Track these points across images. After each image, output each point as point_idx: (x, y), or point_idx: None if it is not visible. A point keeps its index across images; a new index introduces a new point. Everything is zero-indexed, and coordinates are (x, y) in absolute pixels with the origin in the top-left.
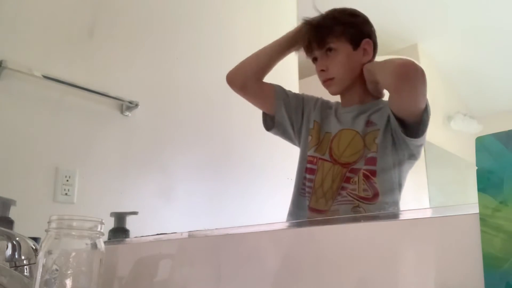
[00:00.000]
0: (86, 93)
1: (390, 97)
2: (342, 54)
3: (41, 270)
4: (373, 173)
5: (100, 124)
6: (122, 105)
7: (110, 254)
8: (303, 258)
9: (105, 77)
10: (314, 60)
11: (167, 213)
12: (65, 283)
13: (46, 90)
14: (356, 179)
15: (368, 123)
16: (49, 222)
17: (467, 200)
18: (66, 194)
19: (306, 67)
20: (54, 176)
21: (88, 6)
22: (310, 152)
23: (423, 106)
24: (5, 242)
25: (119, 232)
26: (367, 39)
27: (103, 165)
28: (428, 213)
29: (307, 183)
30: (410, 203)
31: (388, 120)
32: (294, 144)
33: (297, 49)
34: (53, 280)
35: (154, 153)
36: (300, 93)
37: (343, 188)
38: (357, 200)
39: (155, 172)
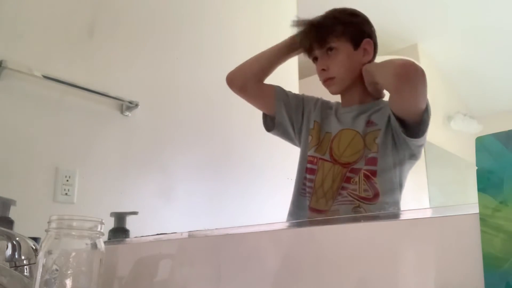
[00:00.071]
0: (86, 93)
1: (390, 98)
2: (342, 53)
3: (41, 270)
4: (374, 173)
5: (100, 124)
6: (122, 105)
7: (110, 254)
8: (303, 258)
9: (105, 77)
10: (315, 59)
11: (167, 213)
12: (65, 283)
13: (46, 90)
14: (356, 179)
15: (369, 123)
16: (49, 222)
17: (467, 200)
18: (66, 194)
19: (306, 67)
20: (54, 176)
21: (88, 6)
22: (310, 152)
23: (424, 106)
24: (5, 242)
25: (119, 232)
26: (367, 39)
27: (103, 165)
28: (428, 213)
29: (308, 183)
30: (410, 203)
31: (389, 120)
32: (295, 144)
33: (298, 54)
34: (53, 280)
35: (154, 153)
36: (300, 93)
37: (343, 188)
38: (358, 200)
39: (155, 172)
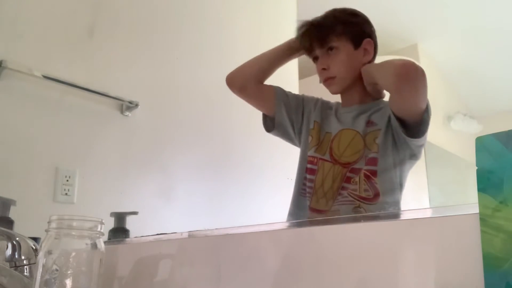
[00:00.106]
0: (86, 93)
1: (390, 98)
2: (343, 53)
3: (41, 270)
4: (374, 173)
5: (100, 124)
6: (122, 105)
7: (110, 254)
8: (303, 258)
9: (105, 77)
10: (315, 59)
11: (167, 213)
12: (65, 283)
13: (46, 90)
14: (357, 179)
15: (369, 123)
16: (49, 222)
17: (467, 200)
18: (66, 194)
19: (306, 67)
20: (54, 176)
21: (88, 6)
22: (311, 153)
23: (424, 106)
24: (5, 242)
25: (119, 232)
26: (368, 39)
27: (103, 165)
28: (428, 213)
29: (308, 183)
30: (410, 203)
31: (389, 120)
32: (295, 144)
33: (298, 56)
34: (53, 280)
35: (154, 153)
36: (300, 94)
37: (343, 188)
38: (358, 200)
39: (155, 172)
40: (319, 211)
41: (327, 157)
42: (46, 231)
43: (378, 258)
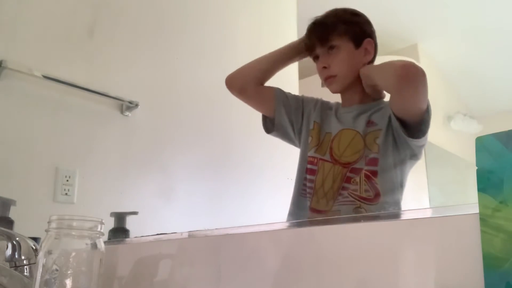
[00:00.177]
0: (86, 93)
1: (391, 99)
2: (344, 52)
3: (41, 270)
4: (375, 173)
5: (100, 124)
6: (122, 105)
7: (110, 254)
8: (303, 258)
9: (105, 77)
10: (315, 58)
11: (167, 213)
12: (65, 283)
13: (46, 90)
14: (357, 179)
15: (369, 123)
16: (49, 222)
17: (467, 200)
18: (66, 194)
19: (306, 67)
20: (54, 176)
21: (88, 6)
22: (311, 153)
23: (425, 106)
24: (5, 242)
25: (119, 232)
26: (368, 39)
27: (103, 165)
28: (428, 213)
29: (308, 184)
30: (410, 203)
31: (389, 121)
32: (295, 145)
33: (299, 59)
34: (53, 280)
35: (154, 153)
36: (300, 94)
37: (343, 188)
38: (359, 200)
39: (155, 172)
40: (319, 212)
41: (327, 157)
42: (46, 231)
43: (378, 258)
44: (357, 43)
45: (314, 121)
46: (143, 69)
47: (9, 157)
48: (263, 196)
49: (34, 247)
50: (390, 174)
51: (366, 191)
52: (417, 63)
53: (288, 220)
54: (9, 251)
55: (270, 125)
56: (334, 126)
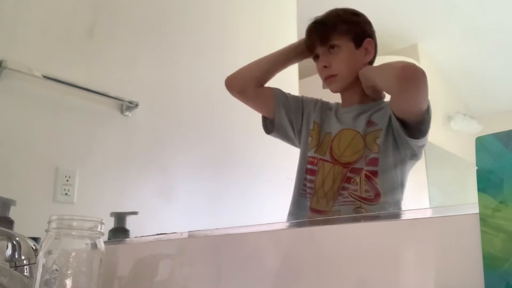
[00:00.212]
0: (86, 93)
1: (391, 100)
2: (345, 51)
3: (41, 270)
4: (375, 173)
5: (100, 124)
6: (122, 105)
7: (110, 254)
8: (303, 258)
9: (105, 77)
10: (316, 58)
11: (167, 213)
12: (65, 283)
13: (46, 90)
14: (357, 179)
15: (369, 123)
16: (49, 222)
17: (467, 200)
18: (66, 194)
19: (306, 67)
20: (54, 176)
21: (88, 6)
22: (311, 153)
23: (425, 107)
24: (5, 242)
25: (119, 232)
26: (369, 39)
27: (103, 165)
28: (428, 213)
29: (308, 184)
30: (410, 203)
31: (390, 121)
32: (295, 146)
33: (299, 61)
34: (53, 280)
35: (154, 153)
36: (300, 95)
37: (344, 188)
38: (359, 201)
39: (155, 172)
40: (319, 212)
41: (327, 157)
42: (46, 231)
43: (378, 258)
44: (358, 43)
45: (314, 122)
46: (143, 69)
47: (9, 157)
48: (263, 196)
49: (34, 247)
50: (390, 174)
51: (366, 191)
52: (417, 64)
53: (288, 220)
54: (9, 251)
55: (270, 126)
56: (334, 126)
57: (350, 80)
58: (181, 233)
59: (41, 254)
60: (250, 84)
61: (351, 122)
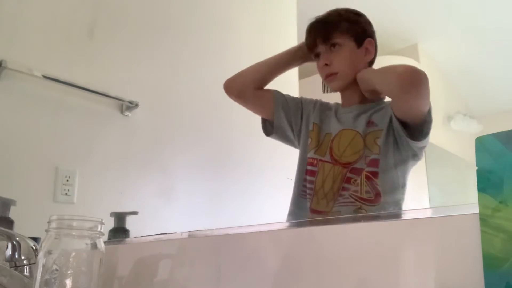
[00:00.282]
0: (86, 93)
1: (393, 103)
2: (346, 49)
3: (41, 270)
4: (375, 174)
5: (100, 124)
6: (122, 105)
7: (110, 254)
8: (303, 258)
9: (105, 77)
10: (316, 56)
11: (167, 213)
12: (65, 283)
13: (46, 90)
14: (358, 180)
15: (369, 123)
16: (49, 222)
17: (467, 200)
18: (66, 194)
19: (306, 67)
20: (54, 176)
21: (88, 6)
22: (310, 154)
23: (427, 108)
24: (5, 242)
25: (119, 232)
26: (369, 39)
27: (103, 165)
28: (428, 213)
29: (308, 185)
30: (410, 203)
31: (390, 121)
32: (295, 147)
33: (298, 64)
34: (53, 280)
35: (154, 153)
36: (299, 96)
37: (344, 189)
38: (359, 201)
39: (155, 172)
40: (319, 212)
41: (327, 157)
42: (46, 231)
43: (378, 258)
44: (359, 43)
45: (313, 123)
46: (143, 69)
47: (9, 157)
48: (263, 196)
49: (34, 247)
50: (391, 175)
51: (366, 192)
52: (417, 66)
53: (288, 220)
54: (9, 251)
55: (269, 128)
56: (334, 127)
57: (351, 79)
58: (181, 233)
59: (41, 254)
60: (249, 87)
61: (351, 122)
